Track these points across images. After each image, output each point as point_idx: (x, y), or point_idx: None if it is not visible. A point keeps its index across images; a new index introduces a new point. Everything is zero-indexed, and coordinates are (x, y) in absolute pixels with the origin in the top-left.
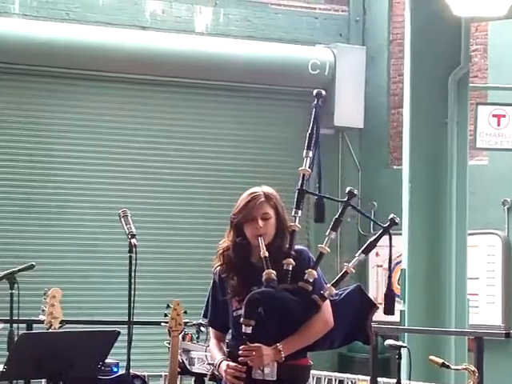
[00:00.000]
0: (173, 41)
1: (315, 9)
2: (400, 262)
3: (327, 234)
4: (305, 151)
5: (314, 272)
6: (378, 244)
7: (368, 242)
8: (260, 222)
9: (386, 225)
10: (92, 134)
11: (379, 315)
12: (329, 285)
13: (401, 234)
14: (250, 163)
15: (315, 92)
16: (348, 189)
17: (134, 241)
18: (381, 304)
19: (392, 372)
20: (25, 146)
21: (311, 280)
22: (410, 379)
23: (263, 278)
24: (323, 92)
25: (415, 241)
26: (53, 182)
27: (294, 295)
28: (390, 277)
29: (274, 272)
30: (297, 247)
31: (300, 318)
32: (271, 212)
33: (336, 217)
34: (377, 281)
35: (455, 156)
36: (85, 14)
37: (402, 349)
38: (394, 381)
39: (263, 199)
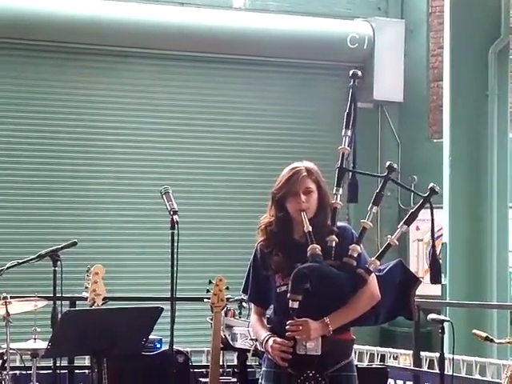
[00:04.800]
0: (210, 17)
1: None
2: (441, 235)
3: (369, 208)
4: (343, 130)
5: (358, 247)
6: (418, 218)
7: (409, 213)
8: (302, 197)
9: (426, 194)
10: (133, 111)
11: (420, 289)
12: (373, 258)
13: (441, 208)
14: (289, 138)
15: (351, 72)
16: (388, 163)
17: (175, 217)
18: (422, 278)
19: (433, 346)
20: (67, 124)
21: (355, 255)
22: (453, 353)
23: (308, 253)
24: (359, 72)
25: (456, 214)
26: (95, 160)
27: (339, 271)
28: (433, 246)
29: (318, 247)
30: (339, 224)
31: (347, 292)
32: (313, 186)
33: (377, 191)
34: (417, 255)
35: (495, 129)
36: None
37: (445, 323)
38: (437, 355)
39: (305, 174)
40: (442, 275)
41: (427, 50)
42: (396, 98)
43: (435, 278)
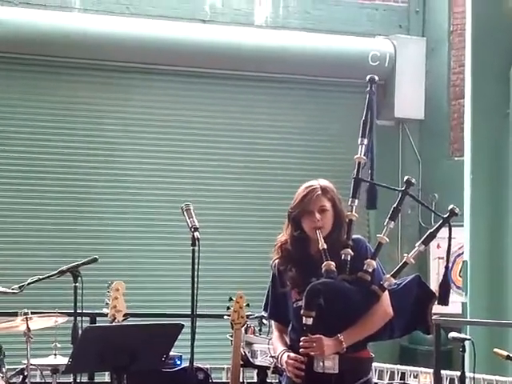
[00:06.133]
0: (232, 34)
1: (375, 0)
2: (462, 253)
3: (385, 223)
4: (359, 139)
5: (374, 262)
6: (439, 236)
7: (428, 233)
8: (317, 215)
9: (446, 215)
10: (154, 127)
11: (441, 307)
12: (388, 275)
13: (462, 226)
14: (310, 155)
15: (368, 78)
16: (405, 178)
17: (196, 234)
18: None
19: (454, 364)
20: (87, 140)
21: (370, 270)
22: (474, 372)
23: (323, 270)
24: (376, 77)
25: (477, 232)
26: (115, 176)
27: (353, 285)
28: (446, 267)
29: (333, 263)
30: (354, 236)
31: (360, 308)
32: (328, 205)
33: (394, 206)
34: (438, 273)
35: None
36: (145, 7)
37: (466, 341)
38: (457, 373)
39: (320, 192)
40: (463, 293)
41: (448, 68)
42: (417, 116)
43: (443, 300)
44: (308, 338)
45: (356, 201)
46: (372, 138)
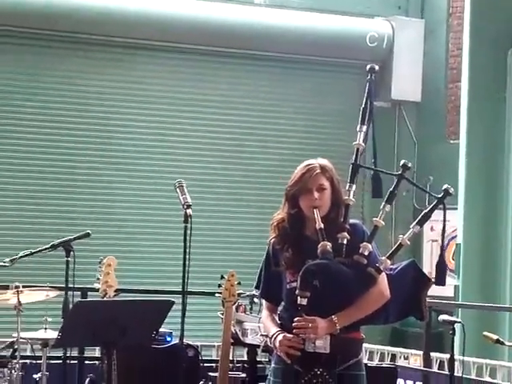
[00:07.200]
0: (231, 12)
1: None
2: (455, 236)
3: (382, 207)
4: (359, 126)
5: (369, 245)
6: (432, 218)
7: (423, 213)
8: (315, 194)
9: (441, 195)
10: (150, 103)
11: (433, 289)
12: (384, 257)
13: (456, 209)
14: (306, 135)
15: (368, 67)
16: (402, 162)
17: (189, 211)
18: (434, 279)
19: (445, 347)
20: (83, 115)
21: (366, 253)
22: (463, 355)
23: (318, 250)
24: (376, 67)
25: (471, 215)
26: (110, 151)
27: (349, 269)
28: (442, 247)
29: (329, 244)
30: (351, 221)
31: (356, 290)
32: (327, 184)
33: (390, 190)
34: (431, 256)
35: None
36: None
37: (456, 324)
38: (447, 356)
39: (319, 171)
40: (455, 276)
41: (446, 51)
42: (414, 98)
43: (440, 280)
44: (302, 319)
45: (354, 186)
46: (373, 126)
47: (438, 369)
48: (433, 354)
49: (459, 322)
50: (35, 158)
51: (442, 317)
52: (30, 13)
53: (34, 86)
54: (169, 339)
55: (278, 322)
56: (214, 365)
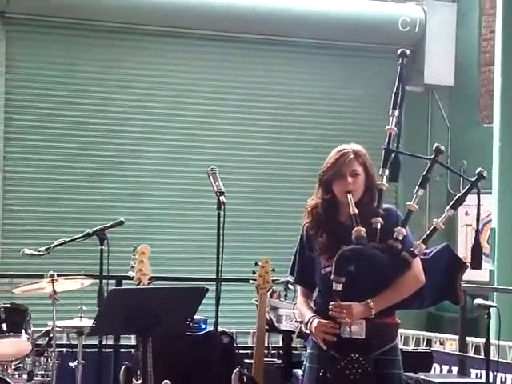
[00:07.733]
0: None
1: None
2: (489, 221)
3: (415, 191)
4: (391, 110)
5: (403, 230)
6: (466, 203)
7: (456, 197)
8: (349, 179)
9: (474, 179)
10: (182, 91)
11: (468, 274)
12: (418, 242)
13: (490, 193)
14: (338, 121)
15: (399, 51)
16: (435, 145)
17: (222, 198)
18: (470, 263)
19: (480, 332)
20: (116, 104)
21: (400, 238)
22: (499, 339)
23: (353, 236)
24: (407, 51)
25: (505, 200)
26: (143, 139)
27: (383, 253)
28: (477, 231)
29: (363, 229)
30: (385, 206)
31: (390, 275)
32: (360, 169)
33: (423, 174)
34: (466, 240)
35: None
36: None
37: (492, 308)
38: (483, 340)
39: (352, 156)
40: (490, 261)
41: (479, 34)
42: (447, 82)
43: (476, 264)
44: (337, 304)
45: (386, 171)
46: (401, 110)
47: (474, 353)
48: (468, 339)
49: (494, 307)
50: (69, 147)
51: (478, 301)
52: (73, 3)
53: (76, 75)
54: (203, 326)
55: (314, 307)
56: (249, 352)
